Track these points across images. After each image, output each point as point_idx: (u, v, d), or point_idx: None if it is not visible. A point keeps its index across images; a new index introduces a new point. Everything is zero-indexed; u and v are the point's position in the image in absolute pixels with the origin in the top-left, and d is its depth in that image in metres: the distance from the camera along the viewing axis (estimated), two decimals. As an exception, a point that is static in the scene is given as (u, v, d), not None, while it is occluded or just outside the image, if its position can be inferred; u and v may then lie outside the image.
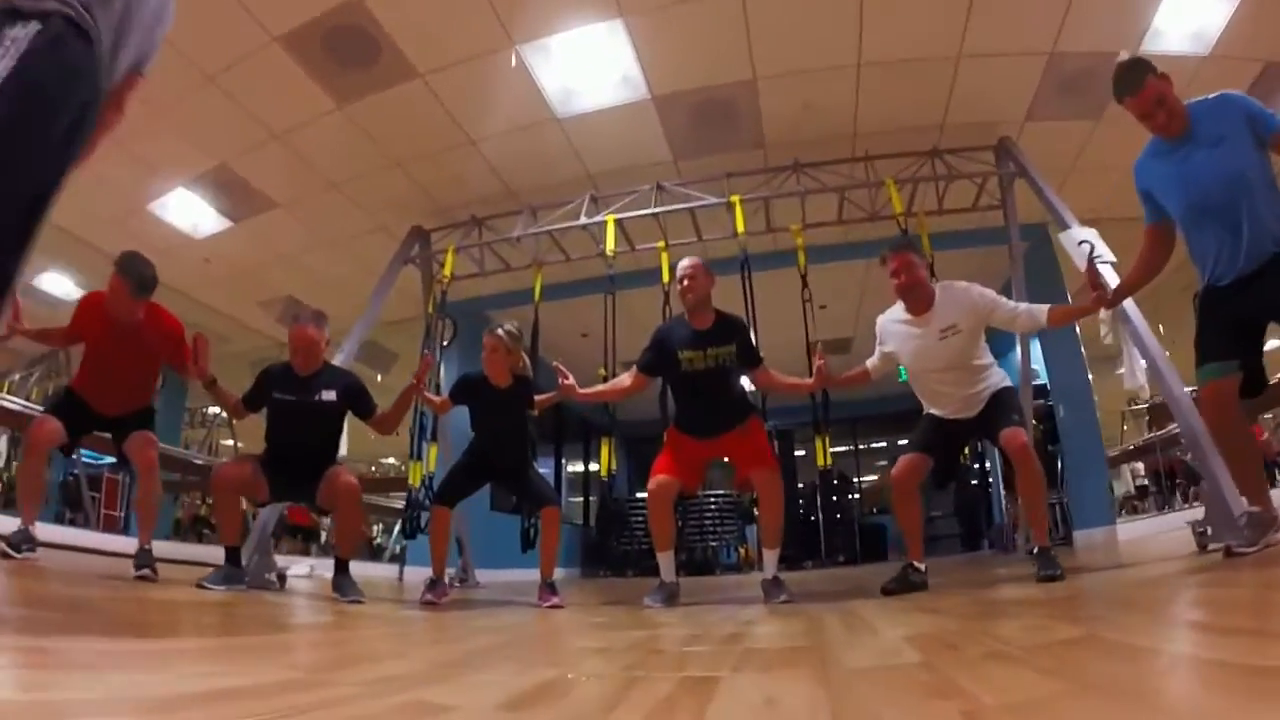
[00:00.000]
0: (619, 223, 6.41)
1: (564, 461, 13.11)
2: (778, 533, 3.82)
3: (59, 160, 1.53)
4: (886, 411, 13.70)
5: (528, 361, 4.28)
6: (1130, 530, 7.61)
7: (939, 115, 6.45)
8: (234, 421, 10.34)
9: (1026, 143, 6.39)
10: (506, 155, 6.82)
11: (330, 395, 4.08)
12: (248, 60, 5.72)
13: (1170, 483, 9.49)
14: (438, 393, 5.40)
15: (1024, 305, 3.63)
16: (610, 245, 6.29)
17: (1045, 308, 3.56)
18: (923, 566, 3.61)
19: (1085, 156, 7.00)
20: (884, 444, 16.86)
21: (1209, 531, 3.66)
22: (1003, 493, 10.14)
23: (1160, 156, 3.02)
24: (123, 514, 11.45)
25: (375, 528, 13.69)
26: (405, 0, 5.15)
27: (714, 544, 11.93)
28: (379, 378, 12.07)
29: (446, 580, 6.66)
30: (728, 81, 5.87)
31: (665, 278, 5.87)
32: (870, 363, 3.90)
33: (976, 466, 10.28)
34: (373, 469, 17.13)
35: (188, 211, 8.06)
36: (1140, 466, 11.53)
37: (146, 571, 3.66)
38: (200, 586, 3.61)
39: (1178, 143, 2.93)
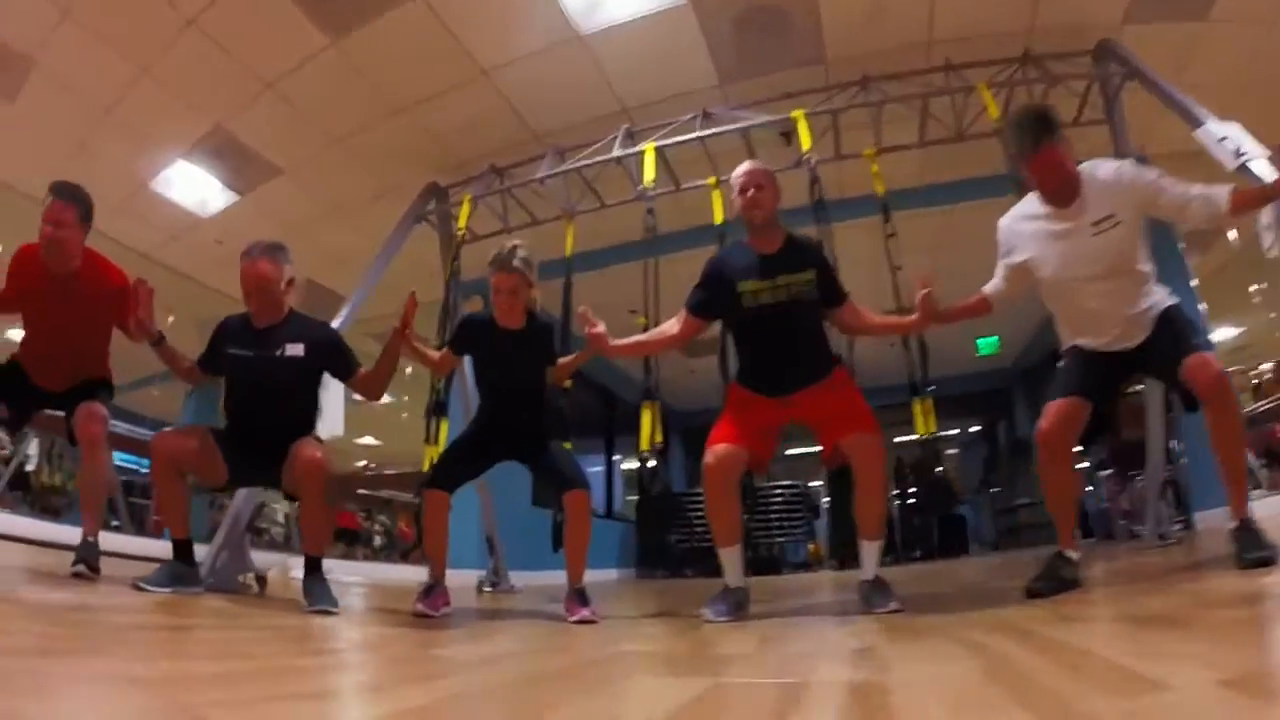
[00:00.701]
0: (660, 153, 5.41)
1: (617, 455, 12.35)
2: (880, 518, 2.88)
3: None
4: (957, 393, 12.50)
5: (539, 300, 3.37)
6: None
7: (1026, 18, 5.40)
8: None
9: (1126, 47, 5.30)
10: (525, 88, 5.95)
11: (296, 350, 3.23)
12: (227, -7, 5.00)
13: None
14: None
15: (1198, 187, 2.60)
16: (649, 177, 5.30)
17: (1225, 189, 2.54)
18: (1076, 556, 2.69)
19: (1190, 68, 5.82)
20: (955, 430, 15.64)
21: None
22: (1105, 472, 8.95)
23: None
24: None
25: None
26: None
27: (780, 540, 10.94)
28: (409, 370, 11.47)
29: (485, 582, 5.97)
30: (781, -20, 4.89)
31: (719, 218, 4.94)
32: (991, 287, 2.94)
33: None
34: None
35: (192, 186, 7.50)
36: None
37: (82, 568, 2.96)
38: (137, 587, 2.85)
39: None
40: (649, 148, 5.37)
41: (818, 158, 4.99)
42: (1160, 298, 2.69)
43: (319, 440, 3.29)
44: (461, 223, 5.94)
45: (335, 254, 8.47)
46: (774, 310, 2.87)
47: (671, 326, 3.14)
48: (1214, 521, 5.76)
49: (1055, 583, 2.60)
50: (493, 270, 3.22)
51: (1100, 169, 2.72)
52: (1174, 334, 2.59)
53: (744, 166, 3.05)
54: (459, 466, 3.32)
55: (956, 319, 3.13)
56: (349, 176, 7.13)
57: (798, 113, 5.01)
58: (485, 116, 6.24)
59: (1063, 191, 2.68)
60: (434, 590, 3.08)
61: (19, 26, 5.43)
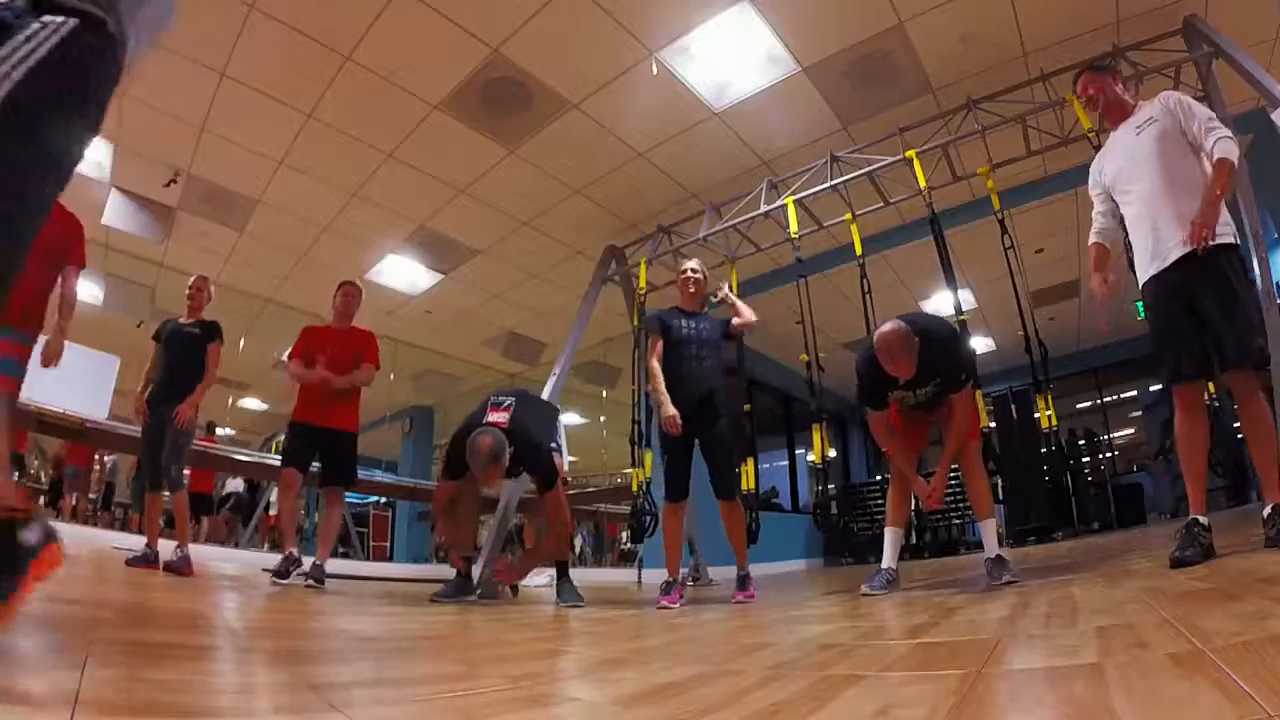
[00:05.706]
0: (799, 203, 6.22)
1: (799, 451, 12.82)
2: (986, 502, 3.59)
3: None
4: (1134, 356, 12.21)
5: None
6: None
7: (1110, 10, 5.50)
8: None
9: (1215, 19, 5.28)
10: (677, 159, 6.85)
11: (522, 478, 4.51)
12: (418, 131, 6.33)
13: None
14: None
15: (1218, 133, 2.86)
16: (794, 228, 6.13)
17: (1217, 156, 2.81)
18: (1206, 521, 2.83)
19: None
20: (1134, 393, 14.96)
21: None
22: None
23: None
24: (389, 544, 13.15)
25: (623, 534, 14.19)
26: (540, 41, 5.35)
27: (957, 521, 11.23)
28: (604, 393, 12.80)
29: (682, 578, 6.88)
30: (874, 33, 5.47)
31: (859, 249, 5.65)
32: (1094, 227, 3.32)
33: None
34: (619, 479, 17.78)
35: (402, 273, 9.01)
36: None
37: (312, 582, 4.41)
38: (432, 600, 4.02)
39: None
40: (789, 201, 6.20)
41: (937, 186, 5.69)
42: (1219, 230, 2.80)
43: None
44: (641, 283, 7.02)
45: (532, 309, 9.82)
46: (920, 404, 3.68)
47: (887, 423, 3.76)
48: None
49: (1199, 549, 2.71)
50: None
51: (1158, 96, 3.12)
52: (1221, 304, 2.78)
53: (888, 333, 3.43)
54: (678, 474, 4.07)
55: (1104, 299, 3.27)
56: (537, 248, 8.32)
57: (910, 153, 5.65)
58: (648, 187, 7.24)
59: (1114, 112, 3.27)
60: (671, 587, 3.91)
61: (241, 177, 6.94)
